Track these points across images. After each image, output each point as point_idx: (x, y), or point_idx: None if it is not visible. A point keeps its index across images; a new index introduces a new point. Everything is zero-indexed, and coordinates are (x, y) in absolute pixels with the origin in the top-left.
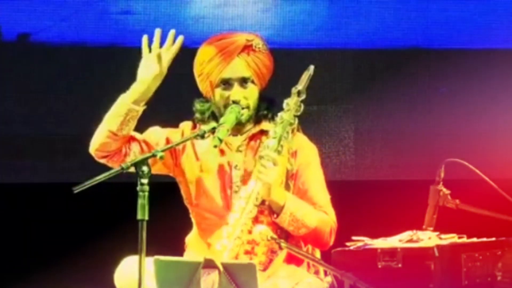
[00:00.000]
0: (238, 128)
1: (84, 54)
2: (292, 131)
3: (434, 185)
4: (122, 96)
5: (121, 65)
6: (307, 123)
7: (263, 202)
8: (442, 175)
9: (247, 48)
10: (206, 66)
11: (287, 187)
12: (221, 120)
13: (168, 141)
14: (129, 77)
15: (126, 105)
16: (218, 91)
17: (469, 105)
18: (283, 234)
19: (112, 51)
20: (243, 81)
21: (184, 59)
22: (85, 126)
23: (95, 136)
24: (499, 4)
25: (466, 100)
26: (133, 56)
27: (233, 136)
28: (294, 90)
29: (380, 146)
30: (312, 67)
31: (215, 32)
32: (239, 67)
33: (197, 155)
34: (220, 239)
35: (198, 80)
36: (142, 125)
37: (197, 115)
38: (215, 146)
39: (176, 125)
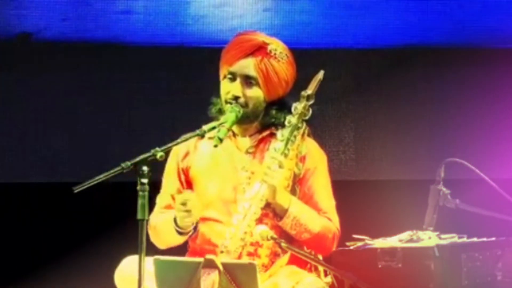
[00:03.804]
0: (242, 128)
1: (84, 54)
2: (302, 135)
3: (434, 185)
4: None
5: (121, 64)
6: (307, 123)
7: (268, 204)
8: (442, 175)
9: (262, 50)
10: (224, 56)
11: (293, 191)
12: (222, 119)
13: (179, 174)
14: (129, 76)
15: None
16: (224, 83)
17: (469, 105)
18: (287, 238)
19: (112, 51)
20: (247, 80)
21: (183, 58)
22: (86, 125)
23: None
24: (499, 3)
25: (466, 99)
26: (133, 55)
27: (242, 137)
28: (303, 94)
29: (380, 146)
30: (322, 72)
31: (215, 32)
32: (246, 65)
33: (203, 160)
34: (223, 240)
35: (219, 68)
36: (145, 125)
37: (211, 108)
38: (216, 146)
39: (174, 125)
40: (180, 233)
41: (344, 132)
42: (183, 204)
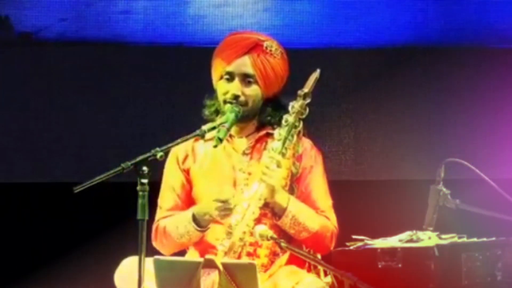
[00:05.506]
0: (239, 127)
1: (84, 54)
2: (298, 134)
3: (434, 185)
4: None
5: (121, 64)
6: (307, 123)
7: (266, 204)
8: (442, 175)
9: (258, 47)
10: (219, 56)
11: (291, 190)
12: (222, 119)
13: (182, 171)
14: (129, 76)
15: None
16: (221, 83)
17: (470, 104)
18: (285, 237)
19: (112, 51)
20: (246, 79)
21: (183, 58)
22: (86, 125)
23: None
24: (499, 3)
25: (466, 99)
26: (133, 55)
27: (239, 138)
28: (300, 93)
29: (380, 146)
30: (318, 71)
31: (215, 32)
32: (244, 63)
33: (201, 162)
34: (222, 240)
35: (212, 69)
36: (145, 125)
37: (205, 111)
38: (215, 146)
39: (174, 125)
40: (200, 231)
41: (344, 132)
42: (224, 202)
